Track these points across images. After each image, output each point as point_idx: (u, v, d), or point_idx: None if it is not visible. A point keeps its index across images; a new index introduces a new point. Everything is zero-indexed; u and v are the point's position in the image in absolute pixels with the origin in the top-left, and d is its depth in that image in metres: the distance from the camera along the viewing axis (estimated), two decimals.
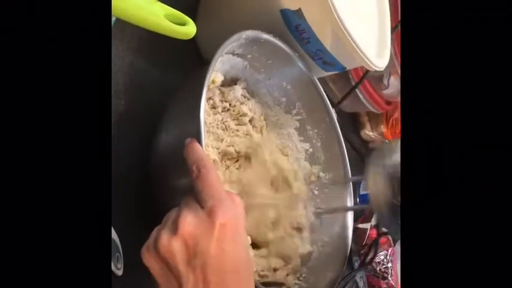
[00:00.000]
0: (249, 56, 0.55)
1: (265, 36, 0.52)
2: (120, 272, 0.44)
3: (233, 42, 0.47)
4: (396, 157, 0.50)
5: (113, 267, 0.43)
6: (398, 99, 0.84)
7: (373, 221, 0.78)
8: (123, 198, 0.47)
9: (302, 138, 0.64)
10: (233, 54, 0.53)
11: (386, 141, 0.75)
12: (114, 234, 0.45)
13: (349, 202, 0.61)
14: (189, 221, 0.35)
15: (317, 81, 0.60)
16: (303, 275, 0.57)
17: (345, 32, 0.52)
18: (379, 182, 0.50)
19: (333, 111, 0.62)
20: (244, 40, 0.49)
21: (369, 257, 0.77)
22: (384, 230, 0.78)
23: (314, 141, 0.63)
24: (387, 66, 0.61)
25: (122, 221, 0.44)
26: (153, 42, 0.53)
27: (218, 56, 0.44)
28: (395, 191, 0.49)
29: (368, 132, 0.90)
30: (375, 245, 0.76)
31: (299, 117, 0.63)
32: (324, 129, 0.62)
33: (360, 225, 0.77)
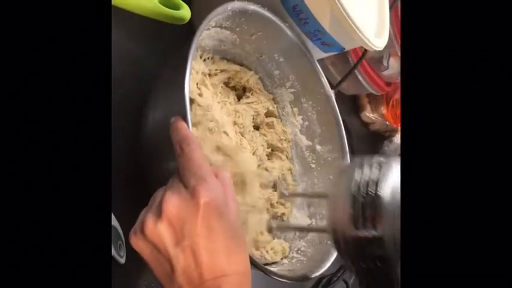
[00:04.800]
0: (238, 29, 0.53)
1: (253, 7, 0.50)
2: (123, 260, 0.44)
3: (219, 15, 0.46)
4: (377, 174, 0.34)
5: (115, 255, 0.43)
6: (399, 80, 0.83)
7: None
8: (123, 185, 0.46)
9: (297, 111, 0.63)
10: (221, 27, 0.52)
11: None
12: (115, 222, 0.44)
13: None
14: (172, 203, 0.34)
15: (309, 51, 0.59)
16: (302, 249, 0.57)
17: (343, 12, 0.52)
18: (340, 205, 0.35)
19: (326, 82, 0.60)
20: (230, 12, 0.48)
21: None
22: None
23: (309, 113, 0.62)
24: (387, 47, 0.61)
25: (123, 207, 0.43)
26: (150, 29, 0.52)
27: (203, 29, 0.43)
28: (360, 218, 0.33)
29: (368, 114, 0.90)
30: None
31: (293, 89, 0.62)
32: (318, 101, 0.61)
33: None
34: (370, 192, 0.33)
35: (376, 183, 0.33)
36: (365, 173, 0.34)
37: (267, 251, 0.56)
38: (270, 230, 0.55)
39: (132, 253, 0.45)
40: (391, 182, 0.33)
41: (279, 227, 0.56)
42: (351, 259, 0.35)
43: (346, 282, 0.74)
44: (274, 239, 0.57)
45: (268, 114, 0.63)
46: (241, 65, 0.60)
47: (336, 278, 0.70)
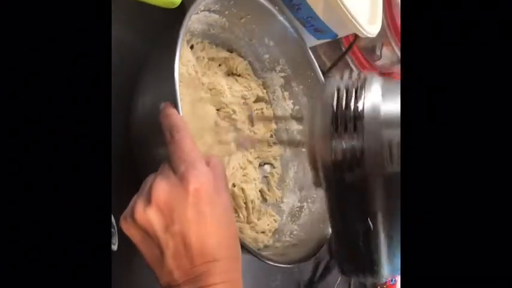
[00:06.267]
0: (226, 12, 0.52)
1: None
2: (115, 247, 0.44)
3: None
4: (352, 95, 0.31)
5: None
6: (392, 70, 0.83)
7: None
8: (115, 172, 0.45)
9: (288, 96, 0.63)
10: (209, 11, 0.51)
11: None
12: None
13: None
14: (162, 188, 0.34)
15: (299, 34, 0.58)
16: (294, 232, 0.57)
17: None
18: (318, 121, 0.32)
19: (317, 65, 0.60)
20: None
21: None
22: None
23: (300, 97, 0.62)
24: (380, 37, 0.61)
25: (115, 195, 0.42)
26: (141, 15, 0.51)
27: (191, 13, 0.42)
28: (338, 128, 0.31)
29: None
30: None
31: (283, 74, 0.61)
32: (309, 85, 0.61)
33: None
34: (349, 104, 0.31)
35: (356, 96, 0.31)
36: (344, 85, 0.32)
37: (256, 232, 0.56)
38: (251, 121, 0.54)
39: (124, 240, 0.45)
40: (371, 96, 0.31)
41: (259, 118, 0.54)
42: (327, 180, 0.32)
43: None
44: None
45: (258, 100, 0.63)
46: (230, 50, 0.59)
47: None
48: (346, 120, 0.31)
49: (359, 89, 0.31)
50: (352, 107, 0.31)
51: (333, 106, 0.31)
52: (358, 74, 0.33)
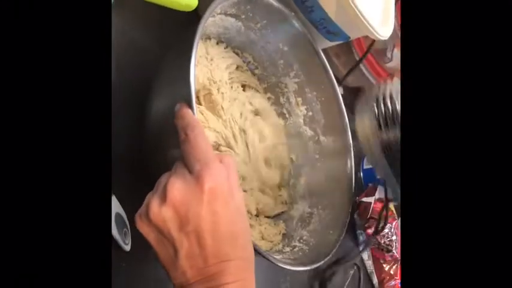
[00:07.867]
0: (243, 16, 0.53)
1: None
2: (128, 247, 0.44)
3: (224, 1, 0.45)
4: (387, 97, 0.50)
5: (121, 243, 0.43)
6: None
7: (377, 195, 0.76)
8: (128, 173, 0.46)
9: (301, 101, 0.63)
10: (226, 14, 0.51)
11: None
12: (120, 209, 0.44)
13: (351, 169, 0.60)
14: (177, 187, 0.34)
15: (314, 40, 0.59)
16: (304, 237, 0.57)
17: (349, 0, 0.52)
18: (367, 121, 0.50)
19: (331, 72, 0.60)
20: None
21: (376, 229, 0.75)
22: (389, 197, 0.70)
23: (313, 104, 0.62)
24: (391, 39, 0.61)
25: (128, 195, 0.43)
26: (153, 17, 0.51)
27: (208, 15, 0.43)
28: (385, 130, 0.48)
29: None
30: (383, 219, 0.71)
31: (297, 79, 0.61)
32: (322, 91, 0.61)
33: (364, 199, 0.76)
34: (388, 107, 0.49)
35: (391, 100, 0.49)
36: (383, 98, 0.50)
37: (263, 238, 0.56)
38: None
39: (137, 240, 0.45)
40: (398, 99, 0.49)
41: None
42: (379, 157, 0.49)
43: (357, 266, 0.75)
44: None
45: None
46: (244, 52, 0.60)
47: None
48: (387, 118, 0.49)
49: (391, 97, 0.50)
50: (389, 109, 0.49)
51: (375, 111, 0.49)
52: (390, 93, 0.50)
